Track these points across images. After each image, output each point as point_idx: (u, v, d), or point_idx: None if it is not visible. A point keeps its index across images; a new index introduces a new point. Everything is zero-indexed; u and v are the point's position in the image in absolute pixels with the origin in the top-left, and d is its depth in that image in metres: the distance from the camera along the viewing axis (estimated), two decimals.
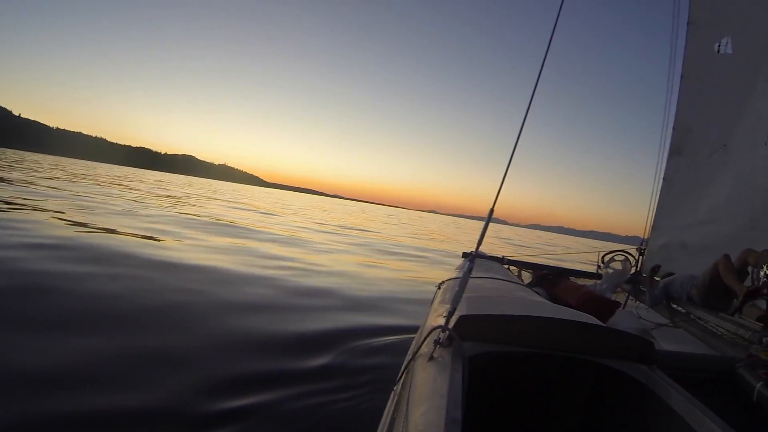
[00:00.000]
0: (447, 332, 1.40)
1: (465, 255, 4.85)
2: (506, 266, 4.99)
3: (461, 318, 1.48)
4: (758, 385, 2.02)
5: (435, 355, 1.35)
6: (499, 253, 5.45)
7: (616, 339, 1.55)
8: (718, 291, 3.35)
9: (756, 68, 4.26)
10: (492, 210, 1.84)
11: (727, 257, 3.33)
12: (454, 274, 3.50)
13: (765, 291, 2.93)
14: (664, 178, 5.52)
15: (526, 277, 5.25)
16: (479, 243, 1.82)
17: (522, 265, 5.32)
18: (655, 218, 5.53)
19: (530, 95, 2.09)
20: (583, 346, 1.53)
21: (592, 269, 5.53)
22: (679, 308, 3.68)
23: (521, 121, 2.04)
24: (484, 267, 3.80)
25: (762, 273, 3.05)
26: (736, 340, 2.76)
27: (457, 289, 1.62)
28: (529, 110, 2.07)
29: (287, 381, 2.91)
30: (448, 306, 1.59)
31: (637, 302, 4.92)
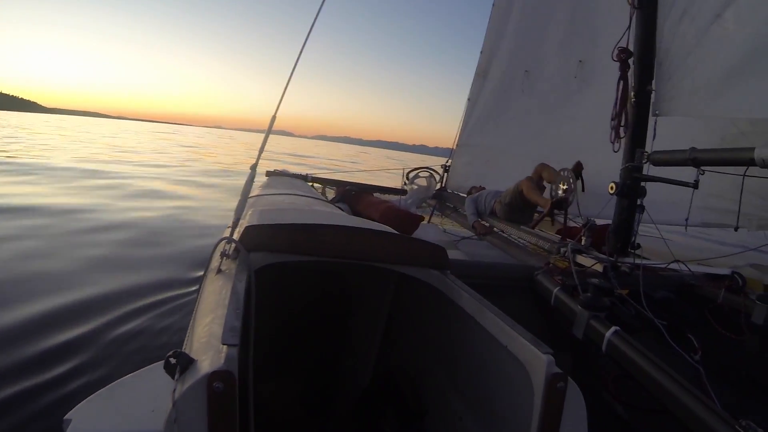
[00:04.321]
0: (233, 244, 1.36)
1: (269, 173, 4.67)
2: (310, 183, 4.89)
3: (247, 228, 1.43)
4: (555, 290, 2.19)
5: (222, 267, 1.33)
6: (303, 171, 5.27)
7: (409, 247, 1.57)
8: (518, 206, 3.66)
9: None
10: (274, 117, 1.81)
11: (529, 179, 3.62)
12: (257, 192, 3.28)
13: (568, 202, 3.25)
14: (468, 99, 5.83)
15: (331, 194, 5.17)
16: (260, 152, 1.81)
17: (326, 182, 5.25)
18: (459, 137, 5.87)
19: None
20: (378, 254, 1.52)
21: (398, 185, 5.71)
22: (484, 222, 3.94)
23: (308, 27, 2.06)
24: (287, 184, 3.73)
25: (559, 189, 3.40)
26: (537, 251, 3.03)
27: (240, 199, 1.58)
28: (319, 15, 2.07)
29: None
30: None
31: (443, 216, 5.23)
